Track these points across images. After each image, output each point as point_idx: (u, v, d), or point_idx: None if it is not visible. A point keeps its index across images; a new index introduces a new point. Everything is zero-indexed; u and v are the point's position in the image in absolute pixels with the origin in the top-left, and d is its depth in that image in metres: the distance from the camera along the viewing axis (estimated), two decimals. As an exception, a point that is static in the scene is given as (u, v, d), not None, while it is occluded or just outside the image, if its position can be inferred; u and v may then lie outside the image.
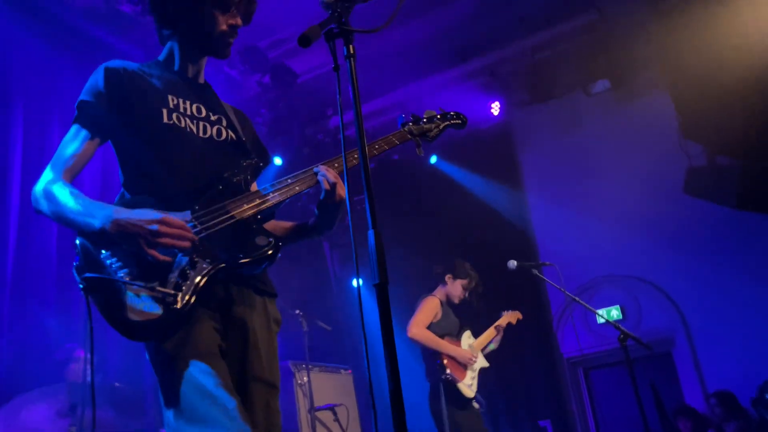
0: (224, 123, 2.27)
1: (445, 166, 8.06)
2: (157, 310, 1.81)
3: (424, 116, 2.66)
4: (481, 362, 5.30)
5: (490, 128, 7.82)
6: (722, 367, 6.61)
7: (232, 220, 2.02)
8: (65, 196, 1.95)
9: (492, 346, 5.47)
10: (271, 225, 2.34)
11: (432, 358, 5.05)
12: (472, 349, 5.24)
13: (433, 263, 5.57)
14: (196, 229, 1.96)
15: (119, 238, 1.85)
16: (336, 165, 2.26)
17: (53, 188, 1.98)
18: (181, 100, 2.19)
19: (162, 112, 2.12)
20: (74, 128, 2.10)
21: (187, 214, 1.99)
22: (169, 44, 2.29)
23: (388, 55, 7.15)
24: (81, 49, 5.85)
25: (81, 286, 1.85)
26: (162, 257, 1.85)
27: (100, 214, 1.87)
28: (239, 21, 2.21)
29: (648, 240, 7.11)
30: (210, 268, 1.93)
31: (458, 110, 2.77)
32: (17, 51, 5.29)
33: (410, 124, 2.60)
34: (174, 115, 2.14)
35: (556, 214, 7.65)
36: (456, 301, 5.37)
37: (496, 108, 7.59)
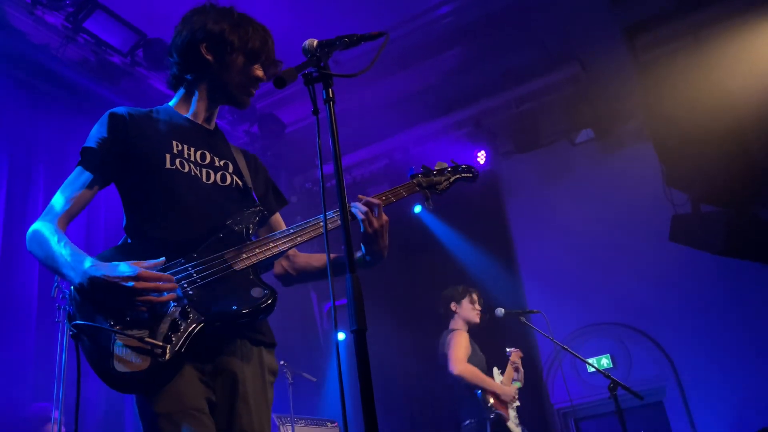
0: (230, 169, 2.27)
1: (431, 215, 8.07)
2: (145, 362, 1.78)
3: (435, 168, 2.62)
4: (516, 401, 5.12)
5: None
6: (714, 416, 6.51)
7: (228, 271, 2.00)
8: (53, 244, 1.94)
9: (518, 384, 5.25)
10: (303, 258, 2.35)
11: (473, 395, 4.82)
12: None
13: (420, 311, 5.50)
14: (192, 278, 1.95)
15: (97, 294, 1.82)
16: (386, 197, 2.30)
17: (45, 232, 1.98)
18: (186, 146, 2.20)
19: (165, 158, 2.13)
20: (77, 171, 2.11)
21: (185, 263, 1.99)
22: (185, 89, 2.32)
23: (375, 106, 7.26)
24: (69, 99, 5.90)
25: (71, 333, 1.84)
26: (144, 309, 1.84)
27: (78, 269, 1.85)
28: (263, 75, 2.28)
29: (636, 287, 7.09)
30: (202, 319, 1.89)
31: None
32: (3, 99, 5.31)
33: (420, 176, 2.55)
34: (177, 161, 2.15)
35: (544, 261, 7.64)
36: (476, 320, 5.18)
37: (482, 157, 7.66)
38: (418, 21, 6.56)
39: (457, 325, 5.21)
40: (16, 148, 5.38)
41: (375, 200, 2.18)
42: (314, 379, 6.11)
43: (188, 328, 1.86)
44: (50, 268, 1.96)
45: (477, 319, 5.22)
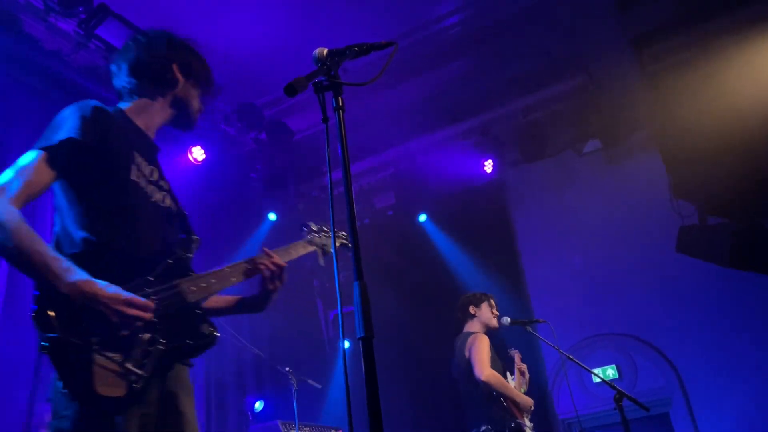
0: (166, 188, 2.25)
1: (437, 224, 8.06)
2: (122, 387, 1.79)
3: (322, 227, 2.86)
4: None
5: (483, 186, 7.89)
6: (720, 427, 6.47)
7: (183, 303, 2.03)
8: (29, 237, 1.79)
9: (523, 390, 5.16)
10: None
11: (497, 401, 4.70)
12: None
13: (424, 318, 5.46)
14: (155, 305, 1.93)
15: (82, 306, 1.76)
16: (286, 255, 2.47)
17: (9, 218, 1.81)
18: (141, 159, 2.16)
19: (131, 168, 2.09)
20: (39, 155, 1.95)
21: (145, 288, 1.95)
22: (141, 100, 2.29)
23: (382, 114, 7.27)
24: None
25: (45, 344, 1.70)
26: (126, 334, 1.83)
27: (65, 279, 1.75)
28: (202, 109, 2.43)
29: (642, 298, 7.07)
30: (165, 348, 1.94)
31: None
32: (14, 104, 5.34)
33: (314, 234, 2.79)
34: (138, 173, 2.11)
35: (550, 272, 7.62)
36: (495, 324, 5.05)
37: (488, 166, 7.66)
38: (426, 30, 6.59)
39: (475, 328, 5.10)
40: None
41: (282, 262, 2.36)
42: (319, 386, 6.09)
43: (156, 354, 1.89)
44: (16, 261, 1.79)
45: (496, 324, 5.10)
